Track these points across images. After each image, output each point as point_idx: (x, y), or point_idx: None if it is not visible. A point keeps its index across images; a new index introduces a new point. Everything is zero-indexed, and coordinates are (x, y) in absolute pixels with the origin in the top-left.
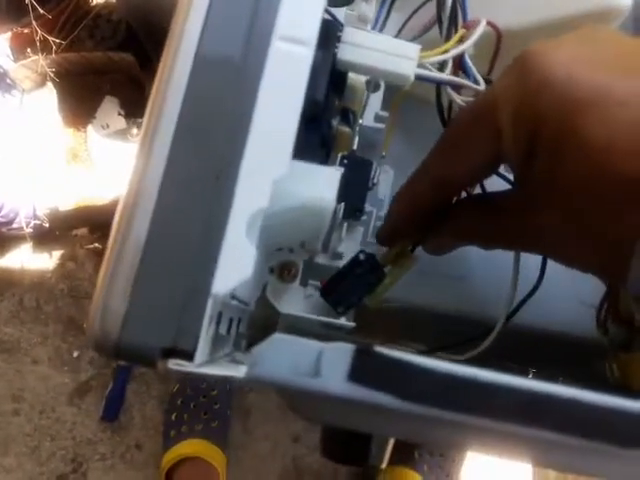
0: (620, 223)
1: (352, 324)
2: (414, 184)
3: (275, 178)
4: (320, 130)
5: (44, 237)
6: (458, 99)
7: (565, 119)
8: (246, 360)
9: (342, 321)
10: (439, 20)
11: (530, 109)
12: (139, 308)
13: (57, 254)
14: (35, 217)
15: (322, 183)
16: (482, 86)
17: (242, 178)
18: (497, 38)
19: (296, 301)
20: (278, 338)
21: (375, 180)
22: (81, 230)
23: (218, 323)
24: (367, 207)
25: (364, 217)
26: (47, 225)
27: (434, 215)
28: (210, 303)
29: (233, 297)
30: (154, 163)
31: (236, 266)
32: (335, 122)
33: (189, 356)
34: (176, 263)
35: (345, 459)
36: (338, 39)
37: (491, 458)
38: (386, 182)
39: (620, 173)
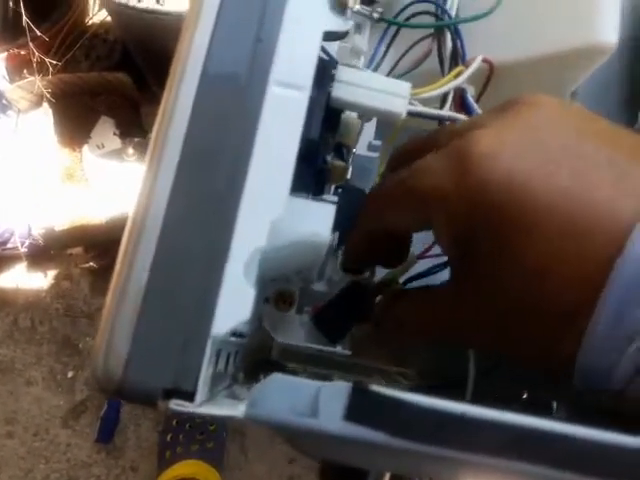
0: (552, 351)
1: (347, 352)
2: (354, 231)
3: (272, 219)
4: (315, 166)
5: (39, 256)
6: None
7: (502, 235)
8: (244, 394)
9: (338, 349)
10: (440, 60)
11: (467, 216)
12: (141, 350)
13: (52, 273)
14: (30, 236)
15: (317, 219)
16: None
17: (240, 218)
18: (489, 72)
19: (293, 329)
20: (277, 378)
21: None
22: (76, 249)
23: (217, 361)
24: None
25: None
26: (42, 244)
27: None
28: (210, 344)
29: (233, 334)
30: (156, 203)
31: (235, 307)
32: (329, 157)
33: (190, 396)
34: (177, 305)
35: None
36: (332, 78)
37: None
38: None
39: (553, 303)
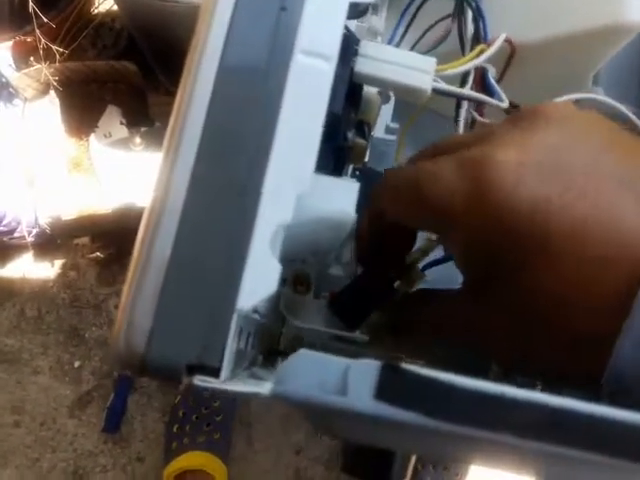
0: (572, 371)
1: (365, 337)
2: (363, 216)
3: (298, 193)
4: (337, 142)
5: (46, 246)
6: (480, 119)
7: (523, 260)
8: (266, 375)
9: (356, 334)
10: (460, 39)
11: (484, 240)
12: (164, 324)
13: (59, 263)
14: (37, 226)
15: (342, 196)
16: (506, 104)
17: (266, 193)
18: (511, 52)
19: (310, 314)
20: (304, 355)
21: None
22: (83, 239)
23: (239, 338)
24: None
25: None
26: (49, 234)
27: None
28: (235, 318)
29: (255, 311)
30: (178, 179)
31: (261, 281)
32: (351, 134)
33: (215, 372)
34: (201, 278)
35: (367, 476)
36: (355, 52)
37: (495, 471)
38: None
39: (573, 328)
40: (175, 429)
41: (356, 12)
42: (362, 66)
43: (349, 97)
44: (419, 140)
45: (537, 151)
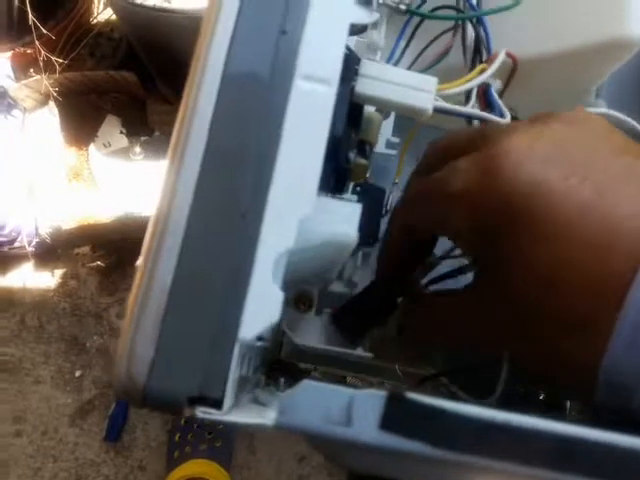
0: (569, 362)
1: (369, 355)
2: (390, 231)
3: (300, 217)
4: (337, 164)
5: (46, 256)
6: None
7: (519, 240)
8: (268, 399)
9: (359, 352)
10: (464, 54)
11: (489, 218)
12: (166, 354)
13: (59, 273)
14: (37, 236)
15: (344, 219)
16: (508, 119)
17: (268, 218)
18: (513, 67)
19: (312, 332)
20: (308, 385)
21: (388, 207)
22: (83, 248)
23: (241, 365)
24: (381, 234)
25: (378, 243)
26: (49, 244)
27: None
28: (237, 348)
29: (259, 339)
30: (180, 202)
31: (263, 310)
32: (352, 155)
33: (217, 404)
34: (203, 308)
35: None
36: (356, 72)
37: None
38: None
39: (565, 312)
40: (177, 437)
41: (356, 29)
42: (363, 86)
43: (350, 117)
44: (419, 153)
45: (546, 142)
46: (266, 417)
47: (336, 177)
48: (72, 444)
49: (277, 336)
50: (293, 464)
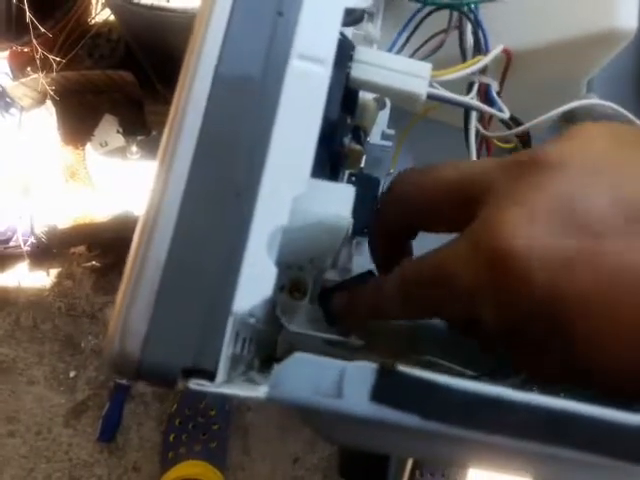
0: None
1: (360, 342)
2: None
3: (294, 196)
4: (333, 148)
5: (41, 255)
6: (485, 132)
7: (554, 330)
8: (262, 380)
9: (351, 340)
10: (462, 50)
11: (510, 313)
12: (160, 328)
13: (54, 272)
14: (33, 235)
15: (337, 200)
16: (507, 115)
17: (262, 196)
18: (507, 61)
19: (305, 319)
20: (299, 357)
21: None
22: (79, 248)
23: (235, 342)
24: None
25: None
26: (45, 243)
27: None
28: (231, 322)
29: (251, 315)
30: (174, 181)
31: (257, 284)
32: (347, 140)
33: (210, 376)
34: (197, 282)
35: None
36: (350, 58)
37: (493, 474)
38: None
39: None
40: (171, 438)
41: (351, 19)
42: (357, 72)
43: (345, 103)
44: (416, 146)
45: (545, 205)
46: (258, 390)
47: (331, 163)
48: (66, 444)
49: (273, 333)
50: (287, 465)
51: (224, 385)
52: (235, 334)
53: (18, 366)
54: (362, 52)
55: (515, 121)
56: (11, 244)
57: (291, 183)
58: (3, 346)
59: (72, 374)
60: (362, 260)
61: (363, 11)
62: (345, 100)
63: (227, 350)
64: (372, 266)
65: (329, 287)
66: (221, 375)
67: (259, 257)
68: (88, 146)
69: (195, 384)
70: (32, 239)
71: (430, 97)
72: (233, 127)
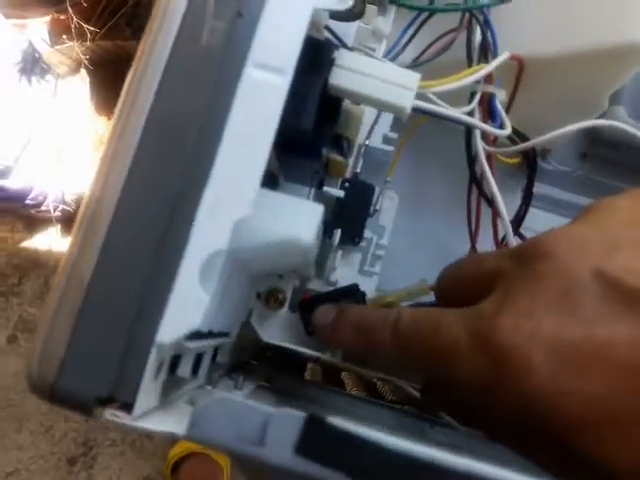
0: None
1: (336, 359)
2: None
3: (237, 218)
4: (308, 157)
5: (71, 222)
6: (484, 147)
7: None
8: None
9: (327, 357)
10: (468, 54)
11: (517, 415)
12: (77, 354)
13: None
14: (63, 202)
15: (302, 220)
16: (508, 131)
17: (200, 216)
18: (519, 70)
19: (280, 329)
20: (223, 399)
21: (377, 206)
22: None
23: (174, 367)
24: (367, 233)
25: (363, 243)
26: (74, 210)
27: None
28: (154, 352)
29: (191, 339)
30: (108, 191)
31: (185, 314)
32: (325, 150)
33: (128, 407)
34: (120, 309)
35: None
36: (331, 62)
37: None
38: (389, 209)
39: None
40: None
41: (343, 15)
42: (337, 78)
43: (325, 110)
44: (420, 149)
45: (552, 317)
46: (178, 426)
47: (311, 173)
48: None
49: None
50: None
51: (143, 418)
52: (172, 359)
53: None
54: (345, 57)
55: (520, 135)
56: (42, 208)
57: (234, 204)
58: (32, 306)
59: None
60: (349, 270)
61: (364, 5)
62: (325, 107)
63: (153, 379)
64: (359, 278)
65: (312, 297)
66: (141, 406)
67: (190, 285)
68: None
69: (110, 415)
70: (62, 205)
71: (417, 111)
72: (176, 135)
